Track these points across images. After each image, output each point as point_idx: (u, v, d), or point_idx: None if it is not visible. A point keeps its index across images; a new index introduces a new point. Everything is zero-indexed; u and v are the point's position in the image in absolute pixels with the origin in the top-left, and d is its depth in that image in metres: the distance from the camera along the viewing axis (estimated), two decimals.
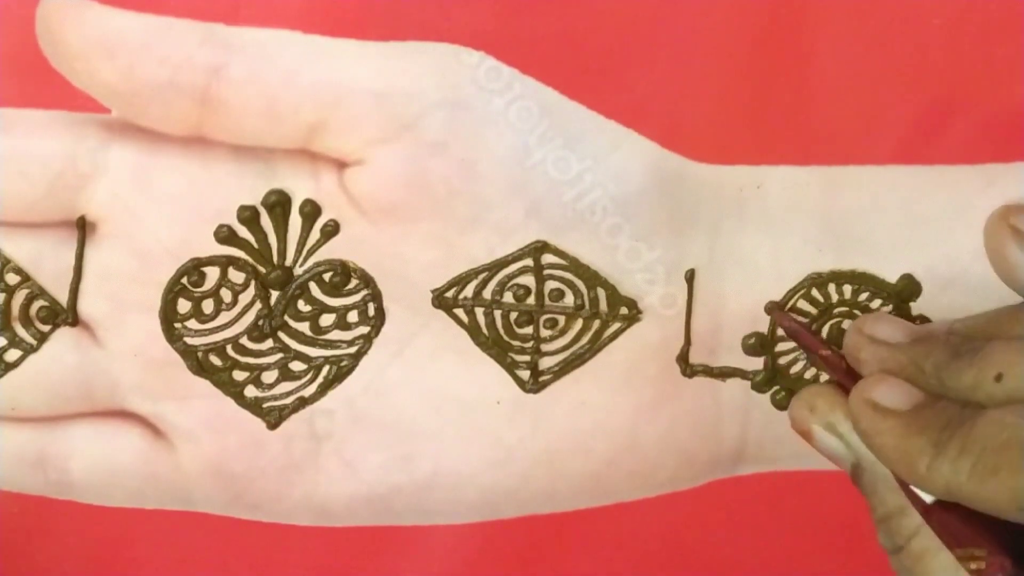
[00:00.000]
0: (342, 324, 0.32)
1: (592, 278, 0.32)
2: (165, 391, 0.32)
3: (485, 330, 0.32)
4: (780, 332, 0.33)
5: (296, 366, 0.32)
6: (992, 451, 0.25)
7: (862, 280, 0.32)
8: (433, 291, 0.32)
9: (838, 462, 0.30)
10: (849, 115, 0.31)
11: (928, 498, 0.27)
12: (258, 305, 0.32)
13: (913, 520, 0.28)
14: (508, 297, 0.32)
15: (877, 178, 0.32)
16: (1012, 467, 0.24)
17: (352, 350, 0.32)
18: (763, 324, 0.32)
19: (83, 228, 0.31)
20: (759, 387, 0.33)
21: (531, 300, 0.32)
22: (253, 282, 0.31)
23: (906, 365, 0.28)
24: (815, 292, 0.32)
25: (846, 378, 0.30)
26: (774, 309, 0.32)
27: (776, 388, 0.33)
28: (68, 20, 0.28)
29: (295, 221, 0.31)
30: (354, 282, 0.32)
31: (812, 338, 0.32)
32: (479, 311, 0.32)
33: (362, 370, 0.33)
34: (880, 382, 0.28)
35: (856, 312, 0.32)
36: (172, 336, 0.32)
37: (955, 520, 0.27)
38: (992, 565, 0.27)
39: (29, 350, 0.31)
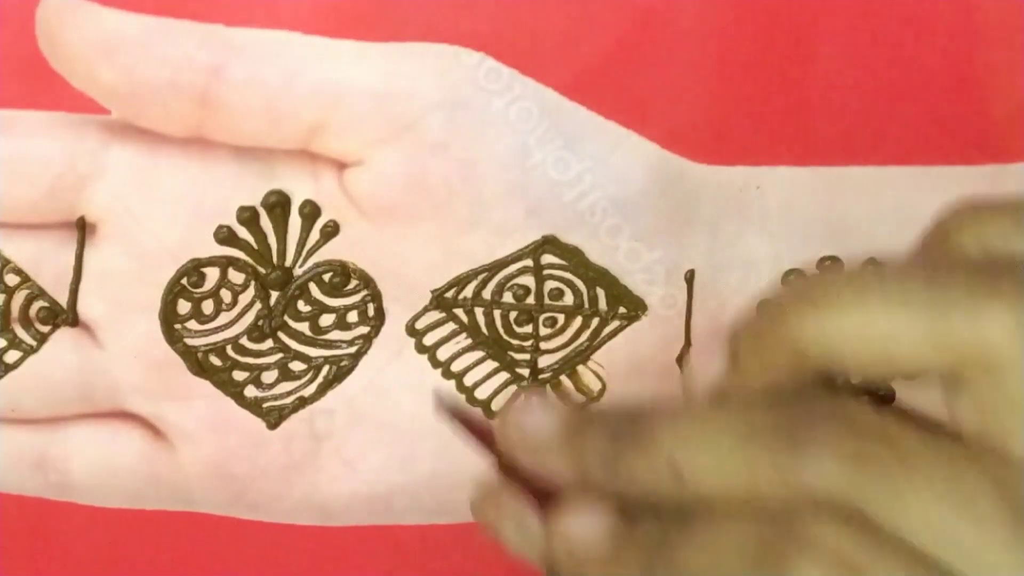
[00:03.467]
0: (342, 324, 0.32)
1: (594, 278, 0.32)
2: (165, 392, 0.32)
3: (484, 329, 0.32)
4: None
5: (296, 366, 0.32)
6: None
7: None
8: (433, 291, 0.32)
9: (535, 563, 0.26)
10: (849, 116, 0.31)
11: None
12: (258, 306, 0.32)
13: None
14: (508, 297, 0.32)
15: (878, 179, 0.32)
16: None
17: (352, 350, 0.32)
18: None
19: (83, 229, 0.30)
20: None
21: (531, 300, 0.32)
22: (253, 283, 0.31)
23: (571, 467, 0.25)
24: None
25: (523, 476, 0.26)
26: (439, 406, 0.28)
27: None
28: (68, 21, 0.28)
29: (295, 222, 0.31)
30: (354, 282, 0.32)
31: (484, 431, 0.27)
32: (478, 311, 0.32)
33: (362, 370, 0.33)
34: (570, 515, 0.25)
35: None
36: (172, 337, 0.32)
37: None
38: None
39: (29, 351, 0.31)
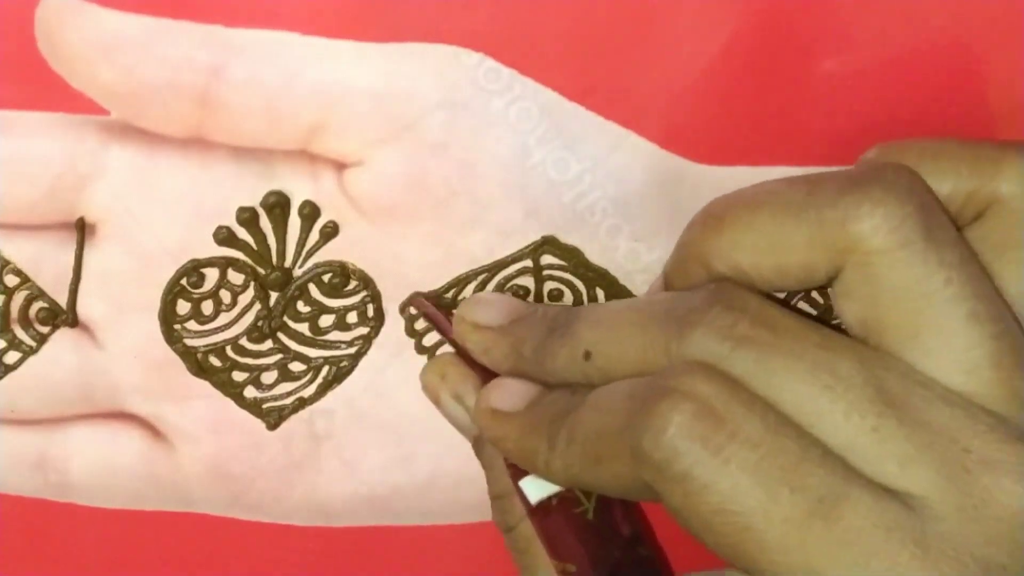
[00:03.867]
0: (341, 325, 0.32)
1: (593, 278, 0.32)
2: (165, 392, 0.32)
3: None
4: None
5: (295, 367, 0.33)
6: (593, 439, 0.25)
7: None
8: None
9: (463, 432, 0.30)
10: (848, 116, 0.31)
11: (533, 499, 0.28)
12: (257, 306, 0.32)
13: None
14: None
15: None
16: (611, 454, 0.24)
17: (351, 351, 0.32)
18: None
19: (82, 229, 0.30)
20: None
21: (530, 300, 0.32)
22: (252, 283, 0.31)
23: (508, 353, 0.28)
24: (814, 294, 0.32)
25: (475, 363, 0.30)
26: (413, 299, 0.32)
27: None
28: (68, 21, 0.28)
29: (294, 222, 0.31)
30: (353, 283, 0.32)
31: (445, 323, 0.31)
32: None
33: (362, 371, 0.33)
34: (495, 387, 0.28)
35: None
36: (171, 337, 0.32)
37: (555, 527, 0.28)
38: None
39: (28, 352, 0.31)
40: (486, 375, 0.29)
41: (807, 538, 0.22)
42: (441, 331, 0.31)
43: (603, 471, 0.25)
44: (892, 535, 0.22)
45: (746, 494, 0.22)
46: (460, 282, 0.32)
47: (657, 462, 0.23)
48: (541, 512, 0.28)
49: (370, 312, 0.32)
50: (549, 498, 0.28)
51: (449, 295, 0.32)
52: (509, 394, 0.27)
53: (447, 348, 0.32)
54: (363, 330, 0.32)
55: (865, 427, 0.22)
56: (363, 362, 0.33)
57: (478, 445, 0.30)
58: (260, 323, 0.32)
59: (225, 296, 0.31)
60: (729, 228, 0.25)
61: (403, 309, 0.32)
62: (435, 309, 0.31)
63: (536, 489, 0.28)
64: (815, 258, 0.24)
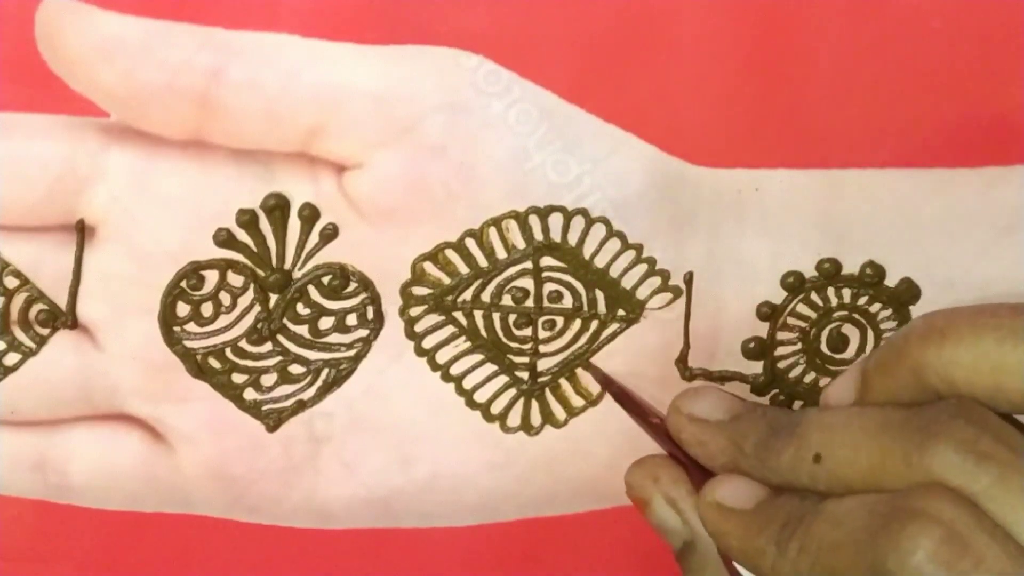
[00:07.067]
0: (341, 327, 0.32)
1: (593, 280, 0.32)
2: (164, 394, 0.32)
3: (484, 332, 0.32)
4: (780, 336, 0.33)
5: (295, 369, 0.32)
6: (827, 551, 0.25)
7: (861, 284, 0.32)
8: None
9: (667, 537, 0.30)
10: (847, 118, 0.31)
11: None
12: (257, 308, 0.32)
13: None
14: (507, 300, 0.32)
15: (876, 181, 0.32)
16: (847, 567, 0.24)
17: (351, 353, 0.32)
18: (762, 328, 0.32)
19: (82, 231, 0.30)
20: (758, 390, 0.33)
21: (530, 302, 0.32)
22: (252, 285, 0.31)
23: (726, 447, 0.28)
24: (814, 296, 0.32)
25: (676, 448, 0.30)
26: (599, 376, 0.32)
27: (775, 392, 0.33)
28: (68, 24, 0.28)
29: (294, 224, 0.31)
30: (353, 285, 0.32)
31: (640, 405, 0.31)
32: (478, 314, 0.32)
33: (361, 373, 0.33)
34: (723, 482, 0.28)
35: (856, 316, 0.32)
36: (171, 339, 0.32)
37: None
38: None
39: (28, 353, 0.31)
40: (696, 471, 0.29)
41: None
42: (635, 413, 0.31)
43: None
44: None
45: None
46: (460, 284, 0.32)
47: None
48: None
49: (370, 314, 0.32)
50: None
51: (449, 297, 0.32)
52: (738, 491, 0.28)
53: (451, 348, 0.32)
54: (363, 332, 0.32)
55: None
56: (363, 364, 0.33)
57: (685, 552, 0.30)
58: (260, 325, 0.32)
59: (225, 298, 0.31)
60: (951, 344, 0.25)
61: (597, 377, 0.32)
62: (628, 389, 0.32)
63: None
64: None
